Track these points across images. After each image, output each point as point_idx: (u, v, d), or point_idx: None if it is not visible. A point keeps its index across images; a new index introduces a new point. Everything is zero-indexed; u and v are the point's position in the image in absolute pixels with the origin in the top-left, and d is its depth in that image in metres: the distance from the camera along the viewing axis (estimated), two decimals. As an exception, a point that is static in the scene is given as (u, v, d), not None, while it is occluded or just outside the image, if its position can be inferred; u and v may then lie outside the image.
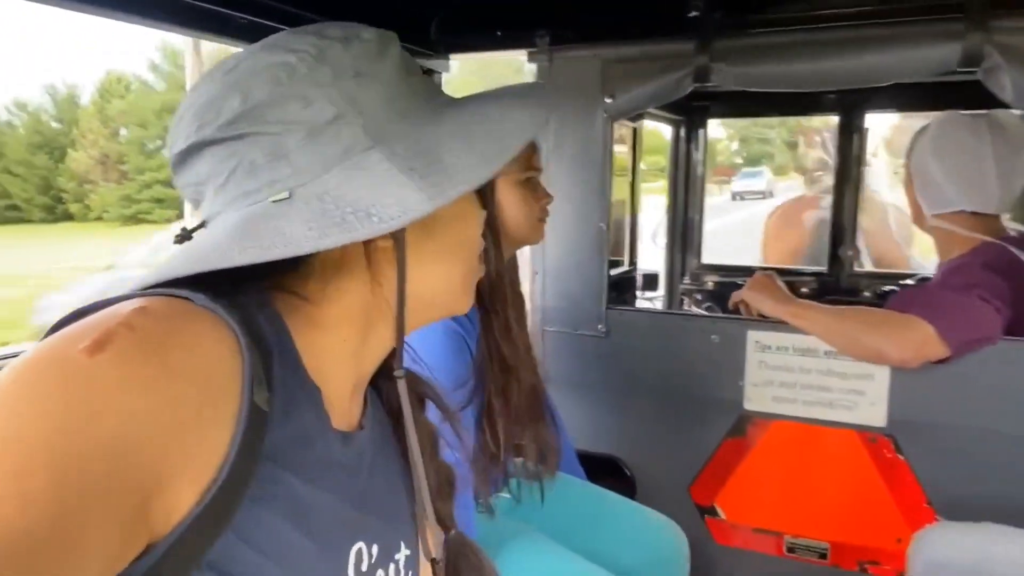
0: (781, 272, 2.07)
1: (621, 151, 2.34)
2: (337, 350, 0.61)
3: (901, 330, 1.44)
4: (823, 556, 1.65)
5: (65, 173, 31.27)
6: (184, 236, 0.60)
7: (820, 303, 1.61)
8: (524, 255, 1.63)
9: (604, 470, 1.73)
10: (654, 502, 1.58)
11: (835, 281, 2.54)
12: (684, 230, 2.76)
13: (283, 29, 0.61)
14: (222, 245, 0.53)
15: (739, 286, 1.74)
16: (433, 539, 0.71)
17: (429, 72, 1.81)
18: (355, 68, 0.57)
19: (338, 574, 0.60)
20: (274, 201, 0.54)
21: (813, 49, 1.55)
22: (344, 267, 0.60)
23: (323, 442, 0.59)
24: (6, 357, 1.03)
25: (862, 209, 2.59)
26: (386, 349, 0.66)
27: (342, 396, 0.63)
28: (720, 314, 2.24)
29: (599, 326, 1.80)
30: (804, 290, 2.51)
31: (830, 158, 2.63)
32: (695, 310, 2.65)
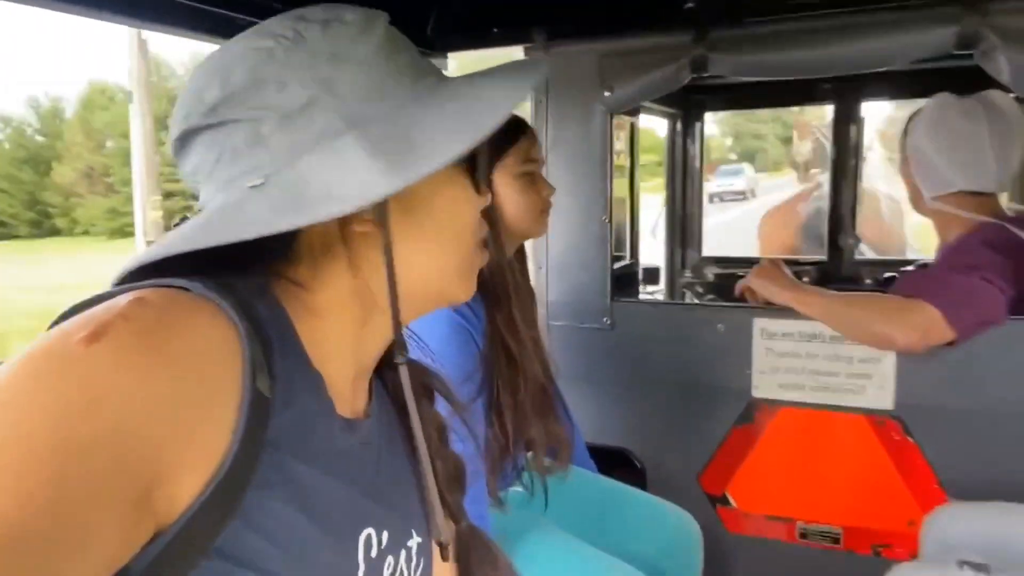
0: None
1: (618, 148, 2.35)
2: (336, 337, 0.61)
3: (907, 315, 1.44)
4: (836, 541, 1.66)
5: (51, 187, 31.05)
6: (180, 223, 0.60)
7: (825, 289, 1.61)
8: (528, 249, 1.63)
9: (614, 462, 1.73)
10: (665, 493, 1.58)
11: (835, 269, 2.55)
12: (683, 223, 2.77)
13: None
14: (191, 230, 0.54)
15: (740, 278, 1.74)
16: (442, 524, 0.71)
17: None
18: (332, 51, 0.56)
19: (347, 559, 0.60)
20: (250, 187, 0.55)
21: (809, 36, 1.56)
22: (329, 253, 0.60)
23: (327, 429, 0.59)
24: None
25: (860, 198, 2.61)
26: (386, 337, 0.65)
27: (344, 383, 0.62)
28: (725, 303, 2.25)
29: (604, 319, 1.80)
30: (805, 279, 2.52)
31: (827, 145, 2.64)
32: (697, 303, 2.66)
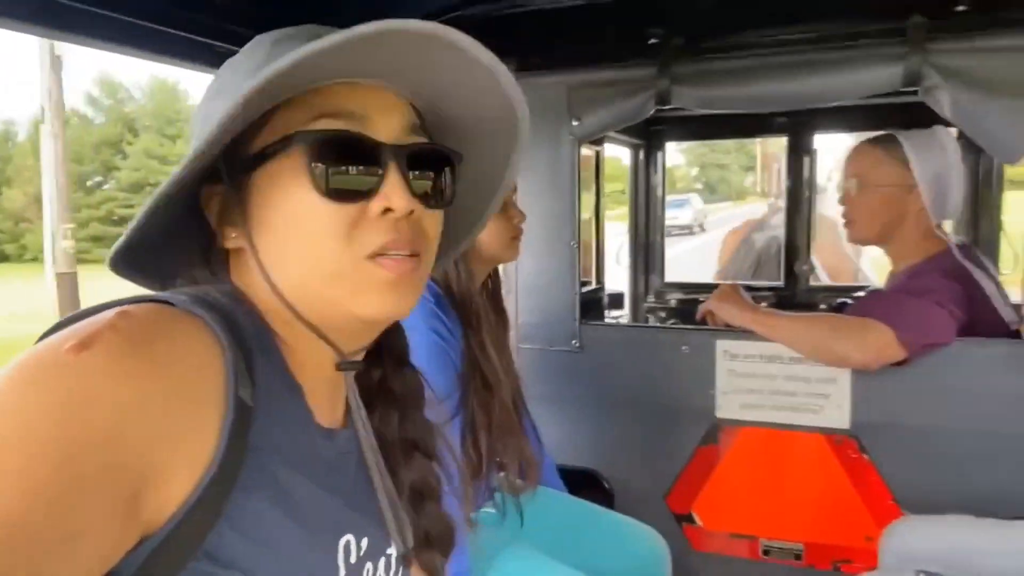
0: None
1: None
2: (304, 347, 0.62)
3: (862, 333, 1.51)
4: (798, 557, 1.70)
5: (0, 212, 30.08)
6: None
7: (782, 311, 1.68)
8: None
9: (582, 484, 1.76)
10: (633, 513, 1.61)
11: (792, 295, 2.64)
12: (647, 250, 2.83)
13: None
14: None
15: (701, 303, 1.80)
16: (397, 536, 0.70)
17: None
18: (247, 65, 0.61)
19: (328, 563, 0.62)
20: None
21: (765, 72, 1.64)
22: (236, 268, 0.64)
23: (307, 436, 0.61)
24: None
25: (814, 226, 2.71)
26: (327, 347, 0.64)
27: (321, 392, 0.64)
28: (689, 326, 2.31)
29: (573, 341, 1.84)
30: (763, 304, 2.60)
31: (780, 181, 2.74)
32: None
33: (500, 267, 1.59)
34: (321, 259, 0.58)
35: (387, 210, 0.58)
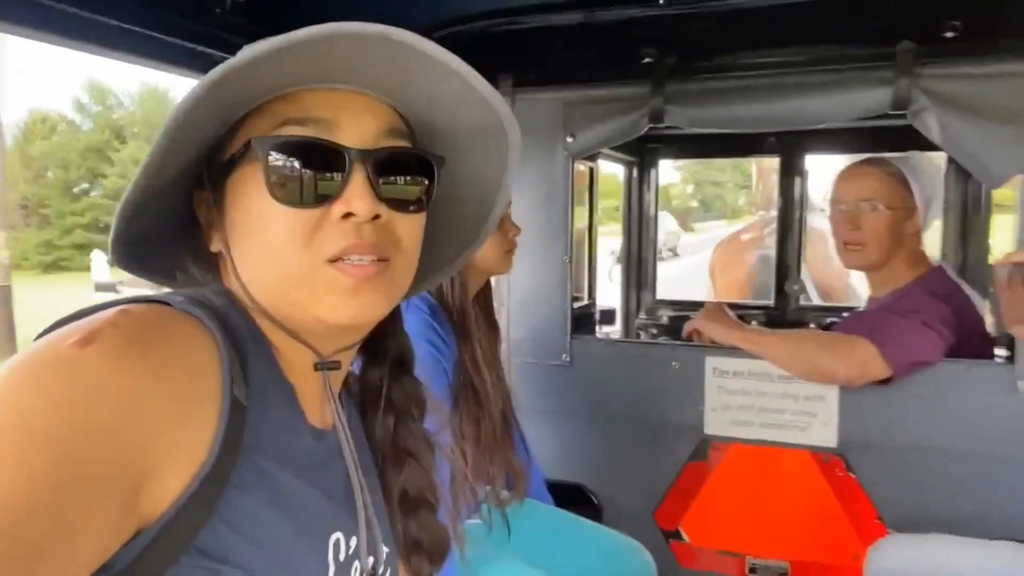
0: (731, 306, 2.16)
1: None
2: (287, 348, 0.63)
3: (846, 348, 1.53)
4: (784, 575, 1.70)
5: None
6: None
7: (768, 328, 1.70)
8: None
9: (571, 498, 1.76)
10: (620, 527, 1.61)
11: (782, 314, 2.65)
12: (639, 267, 2.85)
13: None
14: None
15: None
16: (375, 539, 0.70)
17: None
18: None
19: (318, 559, 0.63)
20: None
21: (757, 93, 1.67)
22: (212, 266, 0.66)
23: (298, 435, 0.63)
24: None
25: (805, 246, 2.73)
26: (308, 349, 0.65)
27: (313, 393, 0.66)
28: (679, 342, 2.32)
29: (564, 356, 1.85)
30: (753, 323, 2.61)
31: (771, 200, 2.77)
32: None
33: (492, 280, 1.60)
34: (281, 263, 0.59)
35: (348, 214, 0.58)
